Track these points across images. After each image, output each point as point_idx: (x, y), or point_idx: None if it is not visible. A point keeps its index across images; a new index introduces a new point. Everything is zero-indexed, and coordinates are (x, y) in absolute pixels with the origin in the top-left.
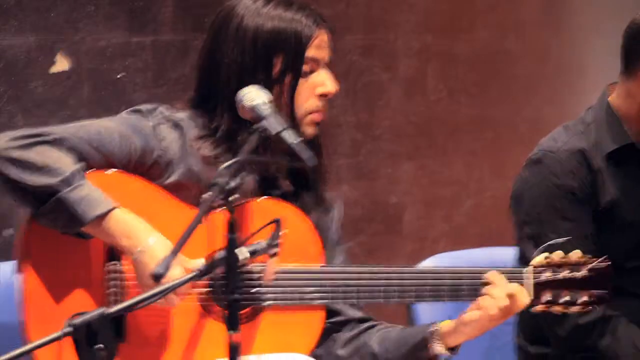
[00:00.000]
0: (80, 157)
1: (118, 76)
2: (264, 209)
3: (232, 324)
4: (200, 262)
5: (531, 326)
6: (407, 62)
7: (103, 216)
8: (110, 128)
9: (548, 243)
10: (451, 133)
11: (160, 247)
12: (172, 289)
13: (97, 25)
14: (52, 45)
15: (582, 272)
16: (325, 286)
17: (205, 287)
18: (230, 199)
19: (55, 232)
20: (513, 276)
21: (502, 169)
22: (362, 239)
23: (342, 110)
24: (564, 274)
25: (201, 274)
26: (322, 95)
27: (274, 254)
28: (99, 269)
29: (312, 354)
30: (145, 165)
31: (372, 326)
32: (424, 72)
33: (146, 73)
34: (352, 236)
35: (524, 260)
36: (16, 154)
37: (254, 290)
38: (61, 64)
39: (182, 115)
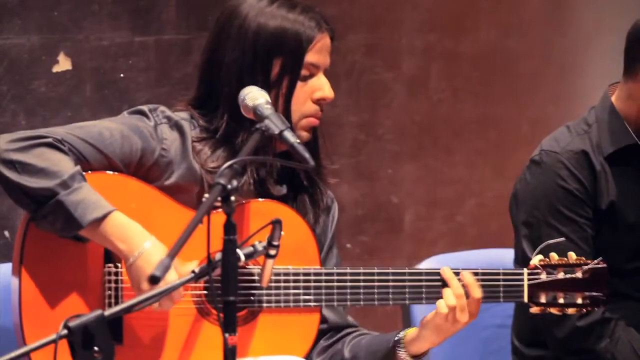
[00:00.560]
0: (81, 158)
1: (121, 75)
2: (260, 210)
3: (228, 326)
4: (193, 265)
5: (527, 329)
6: (411, 61)
7: (100, 219)
8: (112, 129)
9: (545, 243)
10: (454, 133)
11: (155, 251)
12: (167, 292)
13: (101, 24)
14: (55, 45)
15: (578, 274)
16: (321, 288)
17: (202, 290)
18: (230, 199)
19: (53, 234)
20: (510, 278)
21: (505, 169)
22: (363, 239)
23: (345, 110)
24: (560, 275)
25: (196, 276)
26: (319, 100)
27: (273, 255)
28: (97, 272)
29: None
30: (145, 166)
31: (349, 333)
32: (427, 72)
33: (149, 72)
34: (353, 236)
35: (521, 261)
36: (15, 156)
37: (250, 292)
38: (64, 63)
39: (182, 115)
